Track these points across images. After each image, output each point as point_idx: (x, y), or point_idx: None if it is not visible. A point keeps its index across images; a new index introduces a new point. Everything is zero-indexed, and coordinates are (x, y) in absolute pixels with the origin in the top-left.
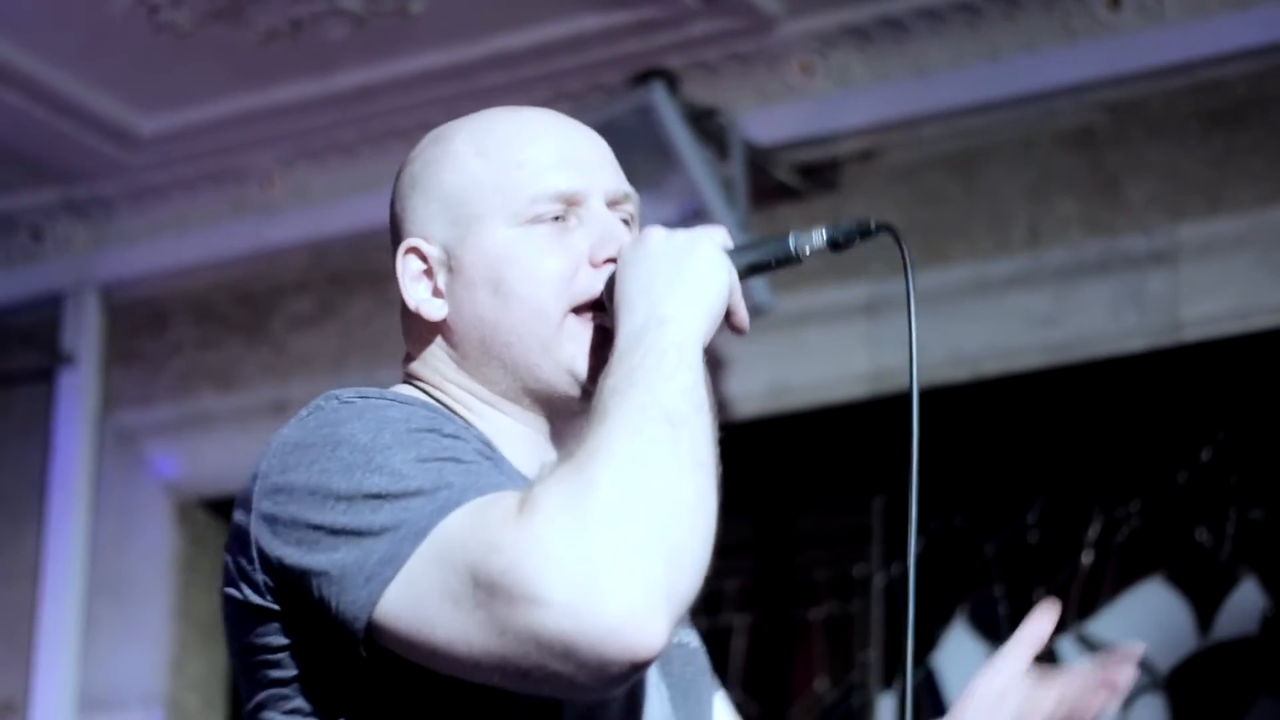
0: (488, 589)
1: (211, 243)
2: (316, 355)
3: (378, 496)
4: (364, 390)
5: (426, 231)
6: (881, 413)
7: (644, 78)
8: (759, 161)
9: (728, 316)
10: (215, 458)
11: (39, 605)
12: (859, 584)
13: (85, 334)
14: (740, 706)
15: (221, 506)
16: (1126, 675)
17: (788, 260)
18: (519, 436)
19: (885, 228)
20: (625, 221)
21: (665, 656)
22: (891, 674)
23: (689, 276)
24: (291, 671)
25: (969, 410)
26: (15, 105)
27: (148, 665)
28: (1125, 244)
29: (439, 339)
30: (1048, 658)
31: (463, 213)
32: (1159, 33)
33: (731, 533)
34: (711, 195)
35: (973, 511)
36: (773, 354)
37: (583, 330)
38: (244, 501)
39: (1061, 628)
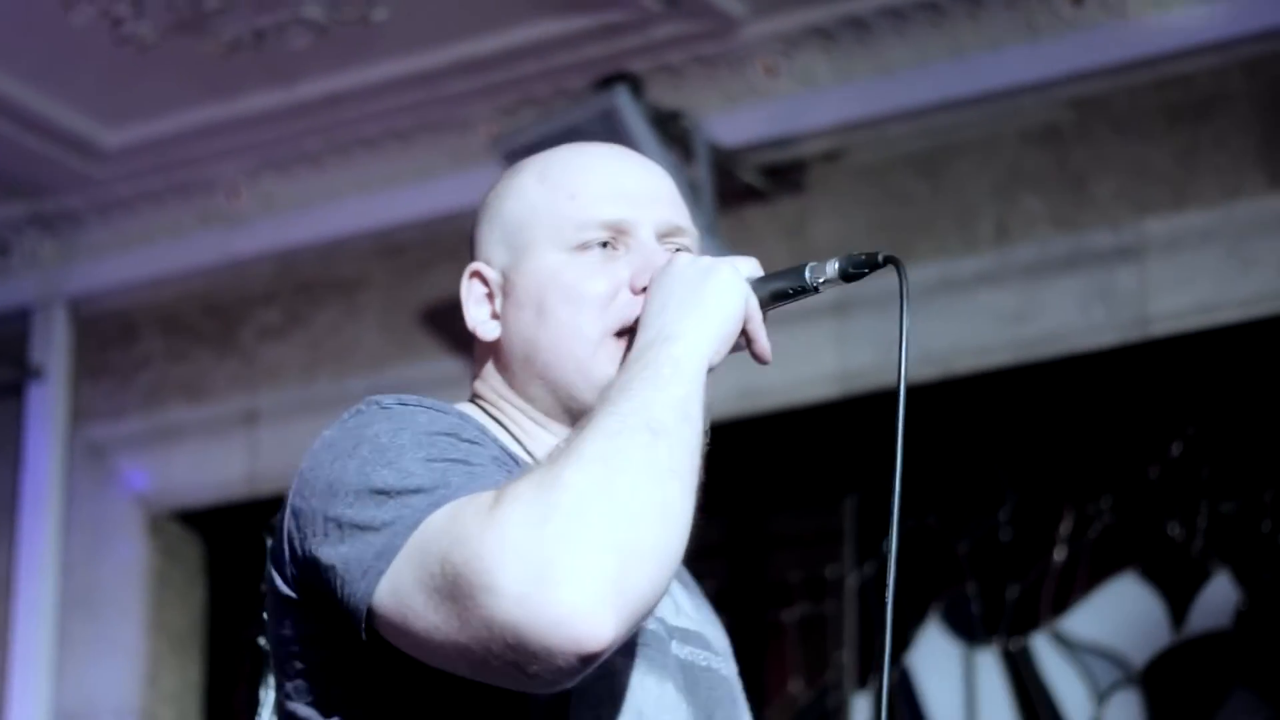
0: (453, 579)
1: (179, 254)
2: (285, 365)
3: (382, 492)
4: (404, 397)
5: (490, 256)
6: (852, 413)
7: (608, 82)
8: (724, 164)
9: (750, 344)
10: (186, 470)
11: (12, 620)
12: (832, 585)
13: (54, 348)
14: None
15: (193, 518)
16: None
17: (804, 290)
18: None
19: (890, 260)
20: (678, 253)
21: (692, 679)
22: (865, 674)
23: (702, 298)
24: (311, 661)
25: (940, 408)
26: None
27: (121, 679)
28: (1093, 240)
29: (493, 359)
30: (1022, 656)
31: (519, 239)
32: (1121, 28)
33: (703, 535)
34: None
35: (945, 510)
36: (742, 356)
37: (619, 353)
38: (286, 498)
39: (1035, 625)
